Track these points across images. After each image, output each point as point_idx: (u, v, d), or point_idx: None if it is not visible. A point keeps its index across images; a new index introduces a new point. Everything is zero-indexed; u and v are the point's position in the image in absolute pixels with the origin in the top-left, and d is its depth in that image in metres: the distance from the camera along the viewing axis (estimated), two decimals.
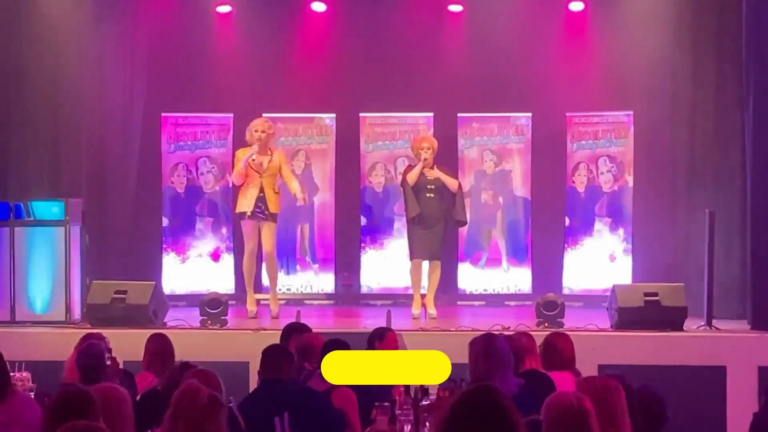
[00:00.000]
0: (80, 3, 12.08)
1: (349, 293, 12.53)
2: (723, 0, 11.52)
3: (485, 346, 5.70)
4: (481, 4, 12.59)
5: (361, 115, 12.50)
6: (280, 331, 7.76)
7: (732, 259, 11.15)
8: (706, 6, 11.68)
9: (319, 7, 12.69)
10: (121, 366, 7.06)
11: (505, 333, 7.57)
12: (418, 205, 10.68)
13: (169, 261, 12.24)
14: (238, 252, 11.82)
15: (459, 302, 12.27)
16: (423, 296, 10.85)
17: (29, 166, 11.77)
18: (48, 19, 11.87)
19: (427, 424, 5.73)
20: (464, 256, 12.35)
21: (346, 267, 12.55)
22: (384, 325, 9.17)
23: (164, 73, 12.49)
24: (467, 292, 12.35)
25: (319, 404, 6.02)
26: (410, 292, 11.21)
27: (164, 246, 12.26)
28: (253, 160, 10.61)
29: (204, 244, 12.30)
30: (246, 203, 10.66)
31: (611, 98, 12.18)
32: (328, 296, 12.50)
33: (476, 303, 12.32)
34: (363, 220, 12.38)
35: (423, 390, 6.11)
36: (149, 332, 7.79)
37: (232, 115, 12.33)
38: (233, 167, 10.99)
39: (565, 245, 12.20)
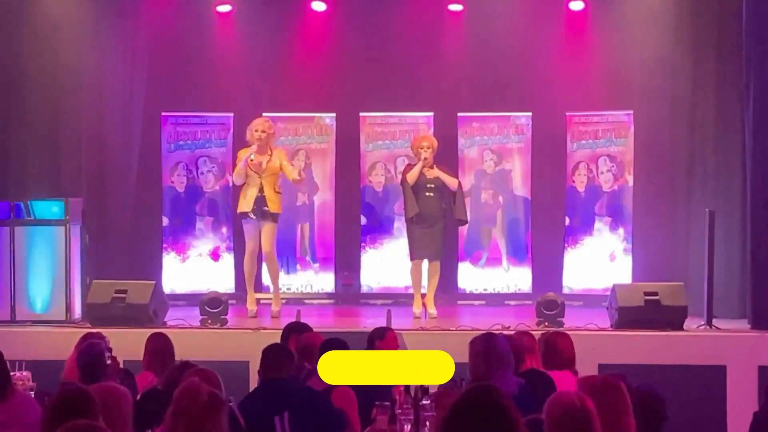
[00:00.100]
0: (80, 3, 12.08)
1: (349, 293, 12.53)
2: (723, 0, 11.53)
3: (485, 346, 5.70)
4: (481, 4, 12.58)
5: (361, 114, 12.50)
6: (281, 331, 7.77)
7: (732, 258, 11.15)
8: (706, 6, 11.68)
9: (319, 7, 12.69)
10: (121, 365, 7.06)
11: (505, 332, 7.58)
12: (417, 204, 10.69)
13: (169, 260, 12.24)
14: (238, 251, 11.83)
15: (459, 302, 12.27)
16: (423, 296, 10.86)
17: (29, 165, 11.78)
18: (48, 19, 11.87)
19: (428, 423, 5.72)
20: (464, 255, 12.35)
21: (346, 266, 12.55)
22: (384, 324, 9.19)
23: (164, 73, 12.49)
24: (467, 292, 12.35)
25: (319, 404, 6.02)
26: (410, 291, 11.22)
27: (164, 245, 12.26)
28: (252, 160, 10.61)
29: (204, 243, 12.30)
30: (245, 203, 10.67)
31: (611, 98, 12.18)
32: (328, 296, 12.50)
33: (476, 302, 12.32)
34: (363, 220, 12.38)
35: (423, 389, 6.10)
36: (149, 332, 7.80)
37: (232, 114, 12.33)
38: (234, 167, 11.00)
39: (565, 245, 12.20)
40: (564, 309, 10.32)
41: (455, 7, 12.67)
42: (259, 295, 11.18)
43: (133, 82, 12.35)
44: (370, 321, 10.22)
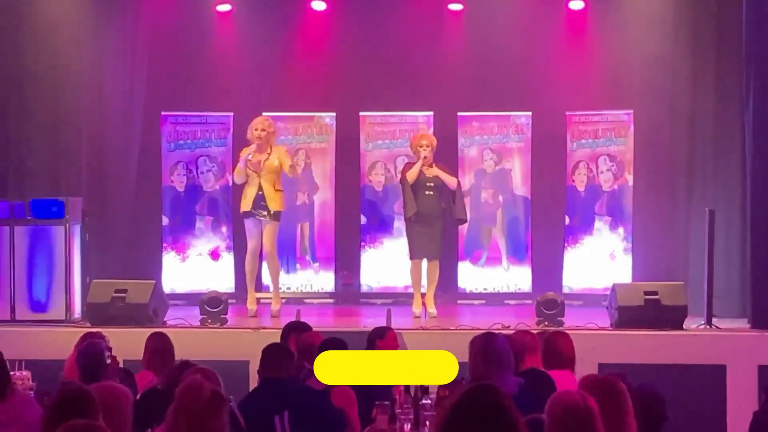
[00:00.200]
0: (80, 3, 12.08)
1: (349, 292, 12.53)
2: (723, 0, 11.53)
3: (485, 346, 5.69)
4: (481, 4, 12.58)
5: (361, 114, 12.49)
6: (280, 330, 7.77)
7: (732, 258, 11.16)
8: (706, 6, 11.68)
9: (319, 6, 12.68)
10: (121, 365, 7.07)
11: (505, 332, 7.58)
12: (416, 203, 10.69)
13: (169, 260, 12.23)
14: (237, 251, 11.83)
15: (459, 301, 12.27)
16: (423, 295, 10.86)
17: (29, 165, 11.78)
18: (48, 19, 11.87)
19: (428, 423, 5.73)
20: (464, 254, 12.34)
21: (346, 266, 12.54)
22: (384, 323, 9.20)
23: (164, 72, 12.49)
24: (467, 291, 12.35)
25: (319, 403, 6.02)
26: (410, 291, 11.22)
27: (164, 245, 12.26)
28: (250, 159, 10.61)
29: (204, 242, 12.29)
30: (245, 202, 10.69)
31: (611, 97, 12.18)
32: (328, 295, 12.49)
33: (476, 302, 12.31)
34: (363, 219, 12.38)
35: (423, 389, 6.11)
36: (149, 331, 7.80)
37: (232, 113, 12.33)
38: (234, 166, 11.01)
39: (565, 244, 12.20)
40: (564, 308, 10.32)
41: (455, 7, 12.67)
42: (259, 295, 11.17)
43: (133, 82, 12.34)
44: (370, 320, 10.22)
